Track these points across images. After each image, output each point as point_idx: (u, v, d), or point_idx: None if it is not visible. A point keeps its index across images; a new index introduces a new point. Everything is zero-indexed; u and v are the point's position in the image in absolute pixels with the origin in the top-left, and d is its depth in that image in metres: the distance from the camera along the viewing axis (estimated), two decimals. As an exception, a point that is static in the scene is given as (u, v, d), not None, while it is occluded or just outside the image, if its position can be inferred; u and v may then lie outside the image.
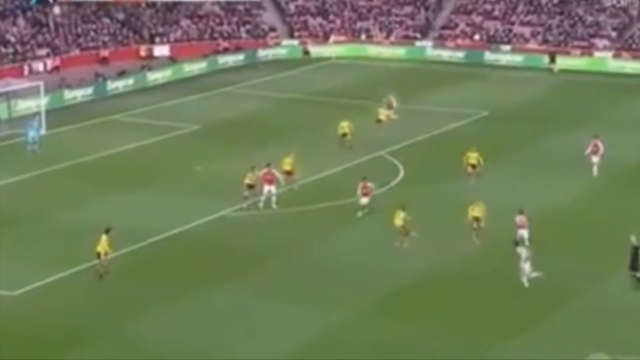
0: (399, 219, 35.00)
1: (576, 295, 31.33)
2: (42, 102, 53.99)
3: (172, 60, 71.00)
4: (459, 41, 75.98)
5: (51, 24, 69.98)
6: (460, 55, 74.06)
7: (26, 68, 65.05)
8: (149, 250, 35.16)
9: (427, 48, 75.07)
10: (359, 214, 37.95)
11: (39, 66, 65.95)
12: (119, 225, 36.75)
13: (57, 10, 71.25)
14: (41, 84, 54.82)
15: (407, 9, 79.82)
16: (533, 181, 43.14)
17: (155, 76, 65.97)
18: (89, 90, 61.13)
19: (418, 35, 77.31)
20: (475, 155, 42.70)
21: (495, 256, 34.24)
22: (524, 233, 34.50)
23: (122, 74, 65.25)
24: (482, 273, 33.03)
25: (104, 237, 32.49)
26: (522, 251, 31.89)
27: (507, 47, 74.34)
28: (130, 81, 64.02)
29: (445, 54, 74.35)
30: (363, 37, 77.56)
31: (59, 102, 58.35)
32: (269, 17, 79.06)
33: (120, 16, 74.30)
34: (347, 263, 33.81)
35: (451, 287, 32.04)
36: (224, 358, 27.39)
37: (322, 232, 36.73)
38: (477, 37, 76.36)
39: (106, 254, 32.31)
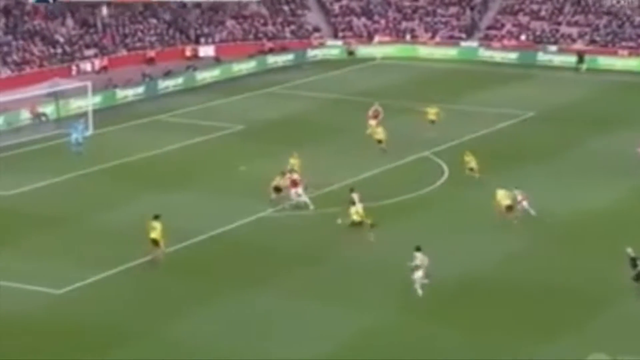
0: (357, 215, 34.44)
1: (613, 301, 30.62)
2: (89, 102, 54.29)
3: (217, 60, 71.09)
4: (505, 42, 75.14)
5: (99, 25, 70.44)
6: (512, 56, 72.82)
7: (74, 68, 65.54)
8: (190, 251, 35.10)
9: (479, 49, 74.08)
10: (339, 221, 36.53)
11: (86, 66, 66.40)
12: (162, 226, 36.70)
13: (104, 10, 71.69)
14: (89, 84, 55.14)
15: (453, 10, 79.19)
16: (577, 182, 42.49)
17: (204, 75, 66.08)
18: (140, 90, 61.47)
19: (463, 35, 76.63)
20: (471, 158, 42.16)
21: (535, 258, 33.77)
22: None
23: (168, 74, 65.46)
24: (520, 276, 32.51)
25: (157, 224, 32.97)
26: (418, 257, 31.40)
27: (554, 48, 73.35)
28: (179, 80, 64.19)
29: (498, 55, 73.11)
30: (407, 37, 77.06)
31: (110, 101, 58.76)
32: (313, 17, 78.88)
33: (167, 17, 74.58)
34: (384, 265, 33.45)
35: (489, 290, 31.56)
36: (260, 359, 27.19)
37: (361, 234, 36.36)
38: (523, 37, 75.49)
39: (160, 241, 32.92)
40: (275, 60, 71.54)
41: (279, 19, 77.62)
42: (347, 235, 36.07)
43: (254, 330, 28.81)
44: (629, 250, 31.59)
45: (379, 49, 74.40)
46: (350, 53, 74.75)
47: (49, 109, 55.23)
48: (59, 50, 66.35)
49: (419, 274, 31.15)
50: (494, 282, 32.11)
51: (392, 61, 72.58)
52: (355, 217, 35.35)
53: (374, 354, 27.52)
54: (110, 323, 29.33)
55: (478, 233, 36.01)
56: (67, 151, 48.01)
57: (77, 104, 55.49)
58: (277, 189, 38.93)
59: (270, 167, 41.86)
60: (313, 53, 74.11)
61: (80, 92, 55.11)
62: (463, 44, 75.47)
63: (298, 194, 38.87)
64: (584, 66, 69.42)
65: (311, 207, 38.76)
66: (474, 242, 35.16)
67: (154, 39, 71.94)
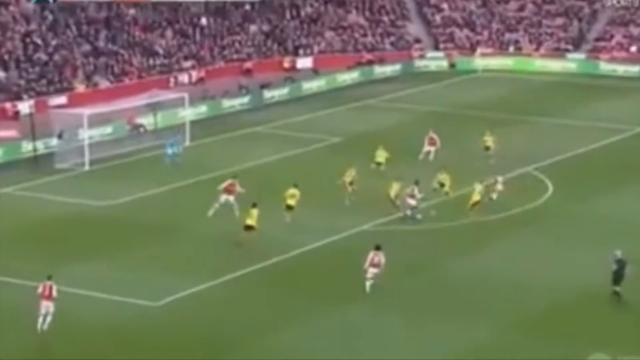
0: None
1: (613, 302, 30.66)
2: (186, 114, 55.51)
3: (315, 72, 71.88)
4: (615, 53, 74.12)
5: (197, 36, 72.00)
6: (635, 69, 71.52)
7: (172, 80, 67.04)
8: (289, 263, 35.68)
9: (601, 62, 72.73)
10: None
11: (184, 78, 67.88)
12: (258, 240, 37.47)
13: (204, 20, 73.24)
14: (186, 95, 56.43)
15: (559, 20, 78.46)
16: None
17: (310, 85, 67.29)
18: (245, 100, 63.03)
19: (570, 47, 75.89)
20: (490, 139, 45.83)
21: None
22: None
23: (265, 86, 66.53)
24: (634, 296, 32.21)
25: (253, 211, 35.28)
26: (374, 255, 32.37)
27: (666, 60, 72.12)
28: (284, 90, 65.55)
29: (620, 69, 71.84)
30: (511, 49, 76.67)
31: (215, 111, 60.43)
32: (414, 28, 79.11)
33: (265, 27, 75.76)
34: (491, 279, 33.55)
35: (602, 307, 31.32)
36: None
37: (466, 248, 36.54)
38: (633, 49, 74.34)
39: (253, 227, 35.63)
40: (384, 70, 72.23)
41: (379, 30, 78.10)
42: (450, 248, 36.31)
43: (354, 346, 29.09)
44: (618, 252, 31.87)
45: (486, 61, 73.78)
46: (452, 65, 74.74)
47: (146, 120, 56.65)
48: (158, 62, 68.02)
49: (374, 271, 32.09)
50: (607, 298, 31.89)
51: (493, 74, 72.29)
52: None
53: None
54: (207, 335, 29.88)
55: (587, 249, 35.83)
56: (164, 162, 49.22)
57: (175, 115, 56.83)
58: (391, 200, 39.96)
59: (364, 179, 42.22)
60: (422, 63, 74.19)
61: (180, 103, 56.45)
62: (570, 55, 74.67)
63: (413, 204, 39.54)
64: None
65: (418, 217, 39.53)
66: (584, 258, 34.97)
67: (251, 50, 73.16)
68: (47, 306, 29.63)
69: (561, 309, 31.35)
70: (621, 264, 32.03)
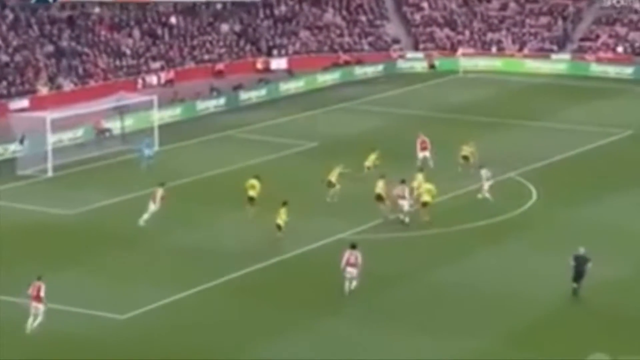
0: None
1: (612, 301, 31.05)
2: (155, 117, 55.49)
3: (289, 73, 72.01)
4: (601, 54, 74.68)
5: (166, 36, 71.92)
6: (628, 71, 71.80)
7: (140, 81, 66.98)
8: (263, 273, 35.66)
9: (588, 64, 73.08)
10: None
11: (152, 79, 67.82)
12: (231, 248, 37.55)
13: (173, 20, 73.18)
14: (155, 98, 56.35)
15: (543, 20, 78.98)
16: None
17: (288, 87, 67.78)
18: (221, 102, 63.33)
19: (555, 47, 76.40)
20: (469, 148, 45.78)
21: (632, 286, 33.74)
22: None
23: (238, 87, 66.57)
24: (625, 303, 32.48)
25: (282, 210, 36.71)
26: (349, 254, 32.95)
27: (655, 61, 72.72)
28: (262, 92, 65.86)
29: (612, 70, 72.09)
30: (494, 49, 77.10)
31: (190, 113, 60.78)
32: (392, 28, 79.40)
33: (237, 27, 75.80)
34: (478, 289, 33.74)
35: (588, 318, 31.57)
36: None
37: (451, 256, 36.72)
38: (620, 49, 74.95)
39: (285, 224, 36.88)
40: (365, 71, 72.57)
41: (356, 30, 78.33)
42: (434, 256, 36.48)
43: (335, 359, 29.11)
44: (582, 250, 32.88)
45: (468, 62, 74.23)
46: (432, 66, 75.01)
47: (113, 124, 56.52)
48: (125, 63, 67.91)
49: (351, 271, 32.77)
50: (591, 309, 32.15)
51: (476, 75, 72.64)
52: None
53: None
54: (173, 351, 29.75)
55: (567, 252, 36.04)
56: (132, 168, 49.16)
57: (141, 119, 56.81)
58: (379, 197, 40.25)
59: (342, 186, 42.35)
60: (406, 65, 74.58)
61: (147, 106, 56.38)
62: (554, 56, 75.18)
63: (407, 208, 40.01)
64: None
65: (406, 220, 39.95)
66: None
67: (223, 50, 73.18)
68: (35, 307, 29.96)
69: (551, 318, 31.49)
70: (579, 260, 32.92)
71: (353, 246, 33.33)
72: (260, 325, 31.37)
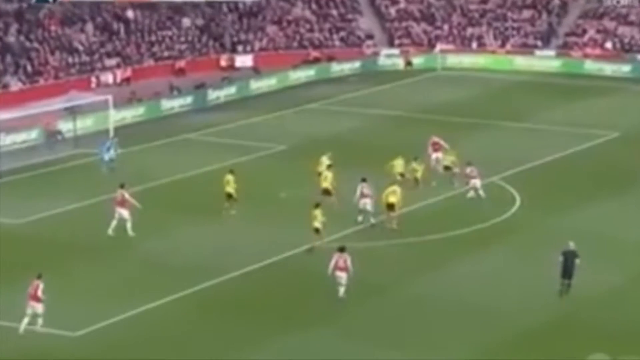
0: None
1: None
2: (110, 119, 55.20)
3: (255, 71, 71.87)
4: (588, 50, 75.04)
5: (122, 31, 71.59)
6: (626, 69, 72.01)
7: (94, 80, 66.67)
8: (228, 286, 35.49)
9: (586, 62, 73.23)
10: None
11: (107, 78, 67.53)
12: (195, 259, 37.35)
13: (130, 14, 72.88)
14: (110, 97, 56.05)
15: (526, 13, 79.28)
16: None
17: (259, 85, 67.86)
18: (188, 101, 63.41)
19: (539, 43, 76.72)
20: (400, 163, 45.12)
21: (626, 296, 33.86)
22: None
23: (200, 87, 66.37)
24: (613, 314, 32.57)
25: (317, 212, 37.38)
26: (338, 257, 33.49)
27: (644, 57, 73.17)
28: (232, 90, 65.98)
29: (608, 68, 72.24)
30: (474, 45, 77.32)
31: (155, 113, 60.69)
32: (365, 22, 79.46)
33: (199, 21, 75.56)
34: (461, 301, 33.76)
35: (572, 332, 31.65)
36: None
37: (431, 266, 36.73)
38: (608, 45, 75.34)
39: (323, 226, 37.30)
40: (342, 68, 72.89)
41: (327, 25, 78.32)
42: (414, 266, 36.49)
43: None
44: (571, 244, 33.83)
45: (446, 59, 74.38)
46: (408, 64, 75.10)
47: (65, 126, 56.17)
48: (77, 60, 67.53)
49: (342, 275, 33.26)
50: (587, 323, 32.22)
51: (455, 72, 72.81)
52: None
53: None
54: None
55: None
56: (86, 173, 48.91)
57: (93, 121, 56.54)
58: (327, 191, 41.81)
59: (314, 192, 42.32)
60: (384, 62, 74.69)
61: (101, 107, 56.09)
62: (538, 52, 75.53)
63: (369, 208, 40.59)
64: None
65: (372, 220, 40.70)
66: (555, 275, 35.25)
67: (184, 47, 72.93)
68: (32, 306, 30.55)
69: (536, 331, 31.55)
70: (568, 255, 33.58)
71: (341, 249, 33.85)
72: (231, 341, 31.16)
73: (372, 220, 40.71)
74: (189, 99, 63.62)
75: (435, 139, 48.39)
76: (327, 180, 42.35)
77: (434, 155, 47.72)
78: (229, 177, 42.28)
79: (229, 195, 41.99)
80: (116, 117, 56.97)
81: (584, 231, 39.42)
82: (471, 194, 43.99)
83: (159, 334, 31.92)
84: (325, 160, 44.63)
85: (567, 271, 33.70)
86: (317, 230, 37.83)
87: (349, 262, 33.48)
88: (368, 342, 31.11)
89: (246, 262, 37.11)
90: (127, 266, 37.36)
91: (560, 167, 49.81)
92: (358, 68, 73.65)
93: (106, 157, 49.45)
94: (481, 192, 43.74)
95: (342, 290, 33.50)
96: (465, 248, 38.59)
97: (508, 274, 36.34)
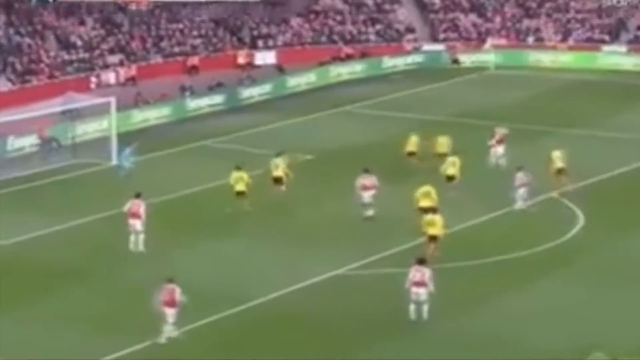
0: None
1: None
2: (112, 124, 55.38)
3: (279, 70, 71.96)
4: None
5: (126, 24, 71.95)
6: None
7: (94, 79, 67.03)
8: (240, 320, 35.33)
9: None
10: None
11: (109, 77, 67.89)
12: (202, 286, 37.15)
13: (134, 4, 73.24)
14: (112, 100, 56.18)
15: (592, 3, 78.95)
16: None
17: (298, 82, 69.44)
18: (219, 99, 64.84)
19: (606, 37, 76.43)
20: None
21: None
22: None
23: (215, 87, 66.55)
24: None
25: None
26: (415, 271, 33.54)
27: None
28: (266, 88, 67.23)
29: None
30: (530, 40, 77.18)
31: (179, 114, 62.26)
32: (405, 14, 79.40)
33: (214, 13, 75.75)
34: (507, 340, 33.40)
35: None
36: None
37: (471, 299, 36.38)
38: (685, 39, 75.05)
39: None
40: (395, 63, 74.26)
41: (361, 17, 78.35)
42: (451, 300, 36.13)
43: None
44: None
45: (499, 55, 74.69)
46: (455, 61, 75.07)
47: (61, 132, 56.45)
48: (75, 57, 67.91)
49: (417, 292, 33.33)
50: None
51: (508, 72, 72.80)
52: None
53: None
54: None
55: (628, 298, 35.92)
56: (84, 187, 49.42)
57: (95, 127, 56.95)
58: (277, 180, 45.25)
59: (343, 209, 42.24)
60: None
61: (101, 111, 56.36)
62: (607, 48, 75.30)
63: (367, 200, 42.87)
64: None
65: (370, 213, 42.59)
66: (624, 309, 35.00)
67: (197, 42, 73.17)
68: (167, 313, 32.64)
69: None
70: None
71: (421, 261, 33.80)
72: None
73: (370, 213, 42.37)
74: (219, 98, 64.62)
75: (499, 130, 49.94)
76: (279, 169, 45.29)
77: (495, 150, 48.52)
78: (238, 174, 43.85)
79: (241, 193, 43.45)
80: (129, 119, 57.23)
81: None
82: (533, 209, 43.57)
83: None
84: (280, 162, 46.25)
85: None
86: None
87: (427, 276, 33.26)
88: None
89: (258, 292, 36.89)
90: (121, 295, 37.18)
91: (631, 181, 49.59)
92: (416, 64, 73.88)
93: (126, 164, 50.30)
94: (528, 204, 43.68)
95: (412, 309, 33.27)
96: (519, 276, 38.12)
97: (567, 308, 35.78)
